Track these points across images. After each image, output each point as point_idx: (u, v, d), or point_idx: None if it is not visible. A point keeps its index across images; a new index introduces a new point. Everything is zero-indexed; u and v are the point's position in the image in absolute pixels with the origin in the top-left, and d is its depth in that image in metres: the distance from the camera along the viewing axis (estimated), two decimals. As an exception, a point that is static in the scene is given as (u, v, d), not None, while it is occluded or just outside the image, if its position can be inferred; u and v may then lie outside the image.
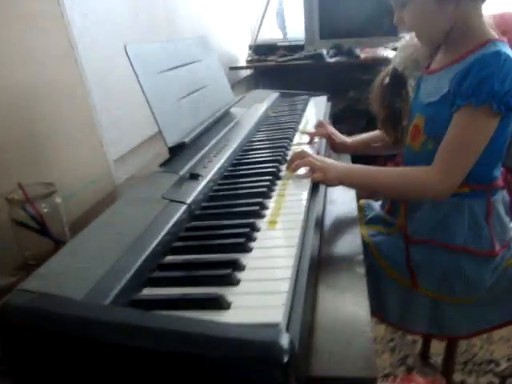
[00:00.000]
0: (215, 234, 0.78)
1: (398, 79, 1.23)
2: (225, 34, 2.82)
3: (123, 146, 1.57)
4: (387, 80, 1.24)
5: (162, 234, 0.73)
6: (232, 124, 1.40)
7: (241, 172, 1.07)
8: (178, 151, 1.07)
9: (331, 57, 2.84)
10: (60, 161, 1.19)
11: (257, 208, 0.84)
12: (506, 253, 1.15)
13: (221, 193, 0.96)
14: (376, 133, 1.41)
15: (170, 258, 0.72)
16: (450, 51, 1.10)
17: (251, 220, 0.79)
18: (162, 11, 1.90)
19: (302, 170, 1.04)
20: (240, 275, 0.64)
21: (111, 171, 1.51)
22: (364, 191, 1.28)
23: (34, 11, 1.12)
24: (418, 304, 1.20)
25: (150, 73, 1.07)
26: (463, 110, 0.99)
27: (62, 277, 0.59)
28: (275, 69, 3.06)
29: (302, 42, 3.24)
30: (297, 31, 3.50)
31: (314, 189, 0.98)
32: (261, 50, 3.23)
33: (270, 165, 1.08)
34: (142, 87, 1.00)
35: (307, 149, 1.17)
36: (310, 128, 1.40)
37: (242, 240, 0.72)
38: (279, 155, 1.14)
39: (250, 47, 3.29)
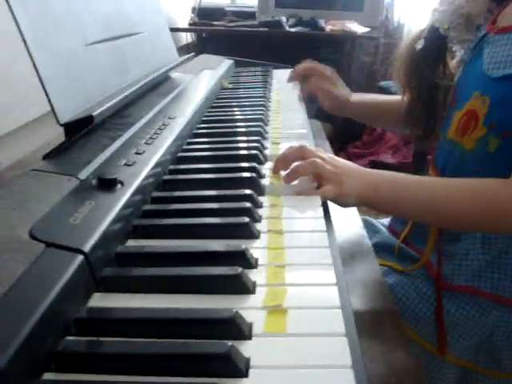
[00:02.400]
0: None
1: (438, 43, 0.80)
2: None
3: (13, 119, 1.06)
4: (421, 44, 0.81)
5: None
6: (174, 93, 0.92)
7: (194, 177, 0.61)
8: (80, 132, 0.59)
9: (291, 26, 2.40)
10: None
11: (236, 273, 0.38)
12: None
13: (155, 222, 0.50)
14: (393, 99, 0.98)
15: None
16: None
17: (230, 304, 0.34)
18: None
19: (302, 181, 0.60)
20: None
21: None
22: (396, 215, 0.86)
23: None
24: (441, 375, 0.82)
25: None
26: None
27: None
28: (223, 36, 2.58)
29: (254, 9, 2.80)
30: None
31: (326, 213, 0.54)
32: (205, 15, 2.74)
33: (245, 165, 0.62)
34: (9, 4, 0.50)
35: (306, 142, 0.72)
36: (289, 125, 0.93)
37: None
38: (255, 148, 0.69)
39: (193, 10, 2.78)
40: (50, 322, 0.32)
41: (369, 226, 0.93)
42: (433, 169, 0.83)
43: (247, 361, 0.31)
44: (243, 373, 0.30)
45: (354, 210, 0.86)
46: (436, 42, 0.80)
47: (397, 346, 0.52)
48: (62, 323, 0.34)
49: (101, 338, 0.33)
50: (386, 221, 0.96)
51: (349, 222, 0.81)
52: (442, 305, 0.77)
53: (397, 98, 0.97)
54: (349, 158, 2.88)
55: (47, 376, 0.30)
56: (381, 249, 0.88)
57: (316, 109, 1.13)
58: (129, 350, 0.32)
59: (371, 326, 0.56)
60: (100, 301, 0.38)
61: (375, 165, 2.77)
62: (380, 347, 0.52)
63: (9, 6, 0.53)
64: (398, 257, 0.86)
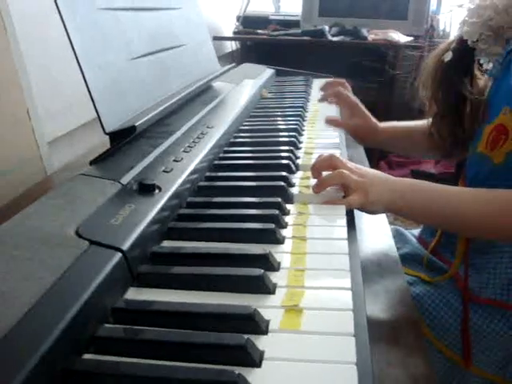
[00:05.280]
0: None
1: (466, 56, 0.81)
2: (208, 1, 2.37)
3: (63, 124, 1.14)
4: (449, 56, 0.82)
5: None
6: (215, 103, 0.97)
7: (227, 184, 0.65)
8: (124, 140, 0.65)
9: (333, 35, 2.42)
10: None
11: (257, 274, 0.42)
12: None
13: (189, 225, 0.54)
14: (420, 124, 0.99)
15: None
16: None
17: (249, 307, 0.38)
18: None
19: (330, 190, 0.63)
20: None
21: (42, 155, 1.07)
22: (424, 222, 0.87)
23: None
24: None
25: (86, 6, 0.63)
26: None
27: None
28: (266, 44, 2.63)
29: (298, 18, 2.83)
30: (291, 6, 3.09)
31: (350, 222, 0.57)
32: (250, 23, 2.79)
33: (275, 174, 0.66)
34: (64, 24, 0.56)
35: (335, 152, 0.75)
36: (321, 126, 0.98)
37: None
38: (287, 158, 0.73)
39: (238, 18, 2.84)
40: (90, 310, 0.36)
41: (399, 236, 0.95)
42: (462, 182, 0.84)
43: (261, 353, 0.35)
44: (257, 363, 0.34)
45: (383, 220, 0.88)
46: (464, 55, 0.81)
47: (414, 353, 0.54)
48: (101, 312, 0.38)
49: (134, 327, 0.37)
50: (416, 231, 0.97)
51: (378, 232, 0.83)
52: (469, 317, 0.78)
53: (423, 122, 0.98)
54: (390, 167, 2.86)
55: (87, 356, 0.35)
56: (410, 259, 0.90)
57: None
58: (157, 337, 0.36)
59: (391, 332, 0.58)
60: (135, 294, 0.42)
61: (416, 174, 2.75)
62: (397, 353, 0.54)
63: (63, 23, 0.59)
64: (427, 267, 0.87)
